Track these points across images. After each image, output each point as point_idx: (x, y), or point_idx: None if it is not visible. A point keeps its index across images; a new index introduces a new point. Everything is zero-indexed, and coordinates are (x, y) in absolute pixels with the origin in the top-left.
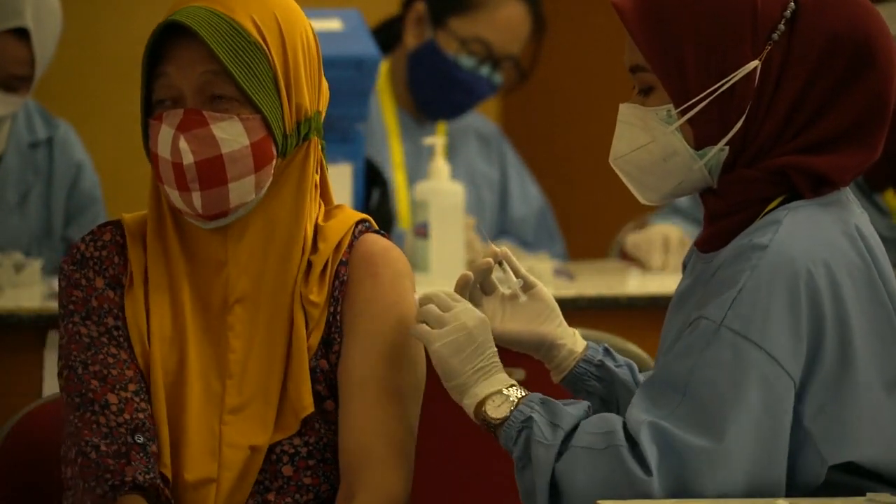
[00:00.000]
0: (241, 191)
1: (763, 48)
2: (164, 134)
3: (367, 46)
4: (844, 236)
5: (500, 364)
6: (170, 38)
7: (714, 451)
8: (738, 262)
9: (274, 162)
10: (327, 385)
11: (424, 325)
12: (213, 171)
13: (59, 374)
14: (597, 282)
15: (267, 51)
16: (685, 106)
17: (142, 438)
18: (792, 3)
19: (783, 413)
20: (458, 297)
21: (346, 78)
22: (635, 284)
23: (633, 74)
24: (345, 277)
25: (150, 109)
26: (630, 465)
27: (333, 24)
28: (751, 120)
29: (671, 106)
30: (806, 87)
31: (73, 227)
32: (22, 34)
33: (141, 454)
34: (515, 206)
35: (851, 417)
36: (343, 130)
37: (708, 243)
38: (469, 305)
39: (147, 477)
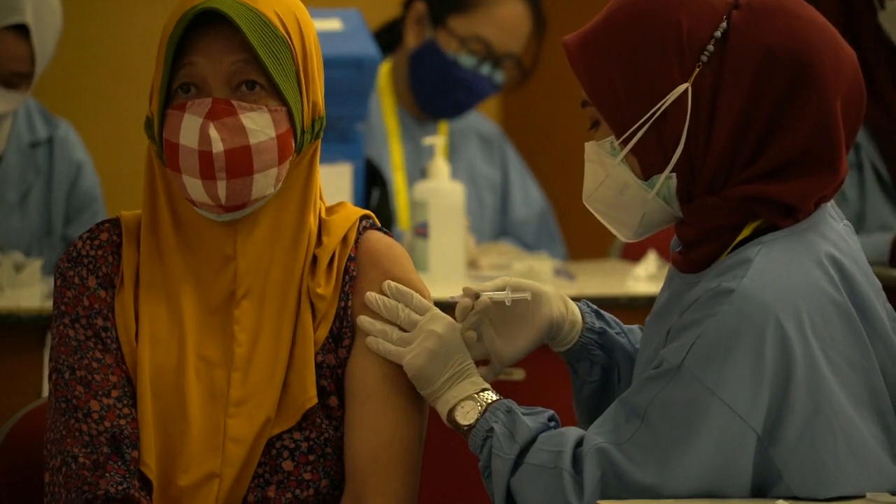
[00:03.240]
0: (264, 182)
1: (692, 70)
2: (190, 122)
3: (367, 46)
4: (818, 267)
5: (472, 367)
6: (194, 28)
7: (654, 489)
8: (704, 306)
9: (291, 157)
10: (333, 380)
11: (388, 344)
12: (240, 161)
13: (49, 378)
14: (597, 282)
15: (291, 45)
16: (625, 136)
17: (119, 447)
18: (724, 23)
19: (735, 459)
20: (427, 303)
21: (346, 78)
22: (635, 284)
23: (584, 109)
24: (354, 273)
25: (168, 99)
26: (567, 491)
27: (333, 24)
28: (692, 144)
29: (613, 137)
30: (747, 107)
31: (72, 226)
32: (22, 31)
33: (118, 464)
34: (517, 208)
35: (827, 459)
36: (343, 130)
37: (687, 267)
38: (438, 311)
39: (120, 488)
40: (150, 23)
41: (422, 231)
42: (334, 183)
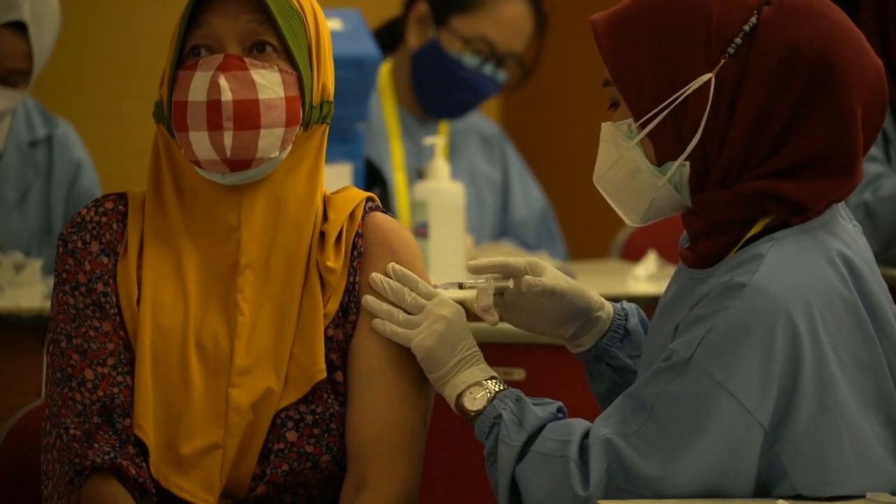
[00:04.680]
0: (270, 140)
1: (718, 61)
2: (200, 79)
3: (367, 46)
4: (829, 265)
5: (479, 354)
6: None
7: (660, 481)
8: (715, 301)
9: (298, 128)
10: (341, 355)
11: (395, 326)
12: (248, 114)
13: (46, 350)
14: (597, 282)
15: (305, 22)
16: (643, 120)
17: (111, 416)
18: (754, 18)
19: (741, 454)
20: (432, 288)
21: (346, 78)
22: (635, 284)
23: (606, 89)
24: (362, 249)
25: (181, 64)
26: (573, 479)
27: (333, 24)
28: (709, 135)
29: (631, 120)
30: (768, 103)
31: None
32: (19, 28)
33: (108, 433)
34: (517, 208)
35: (831, 457)
36: (343, 130)
37: (695, 262)
38: (445, 296)
39: (107, 458)
40: (150, 22)
41: (422, 231)
42: (334, 183)
